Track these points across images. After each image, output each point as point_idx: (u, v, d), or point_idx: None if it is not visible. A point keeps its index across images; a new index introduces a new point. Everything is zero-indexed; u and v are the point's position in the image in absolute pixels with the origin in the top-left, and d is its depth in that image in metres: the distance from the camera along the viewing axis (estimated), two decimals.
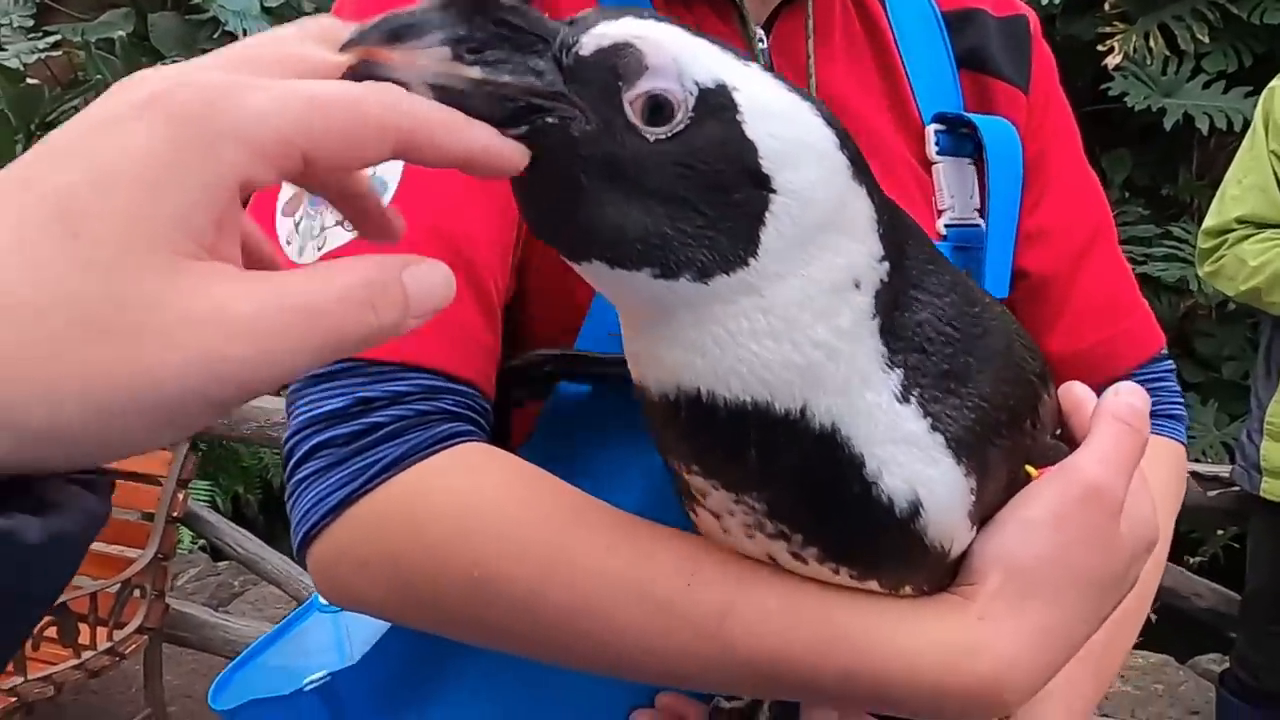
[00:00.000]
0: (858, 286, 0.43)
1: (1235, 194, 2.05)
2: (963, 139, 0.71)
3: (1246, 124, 2.08)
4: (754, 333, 0.41)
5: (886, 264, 0.44)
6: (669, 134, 0.39)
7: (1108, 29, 4.32)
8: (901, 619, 0.48)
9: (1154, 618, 3.14)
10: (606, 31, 0.38)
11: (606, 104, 0.38)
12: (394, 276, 0.29)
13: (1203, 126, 4.04)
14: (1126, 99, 4.14)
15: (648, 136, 0.39)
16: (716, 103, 0.40)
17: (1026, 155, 0.74)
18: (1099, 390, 0.70)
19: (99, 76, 4.80)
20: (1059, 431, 0.56)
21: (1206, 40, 4.16)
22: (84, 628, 2.31)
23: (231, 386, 0.26)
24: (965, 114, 0.72)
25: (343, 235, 0.56)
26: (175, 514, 2.54)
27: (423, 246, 0.54)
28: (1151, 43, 4.20)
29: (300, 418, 0.56)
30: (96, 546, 2.73)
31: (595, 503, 0.52)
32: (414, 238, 0.55)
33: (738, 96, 0.40)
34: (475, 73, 0.34)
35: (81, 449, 0.26)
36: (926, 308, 0.46)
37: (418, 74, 0.33)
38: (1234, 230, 2.03)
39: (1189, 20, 4.18)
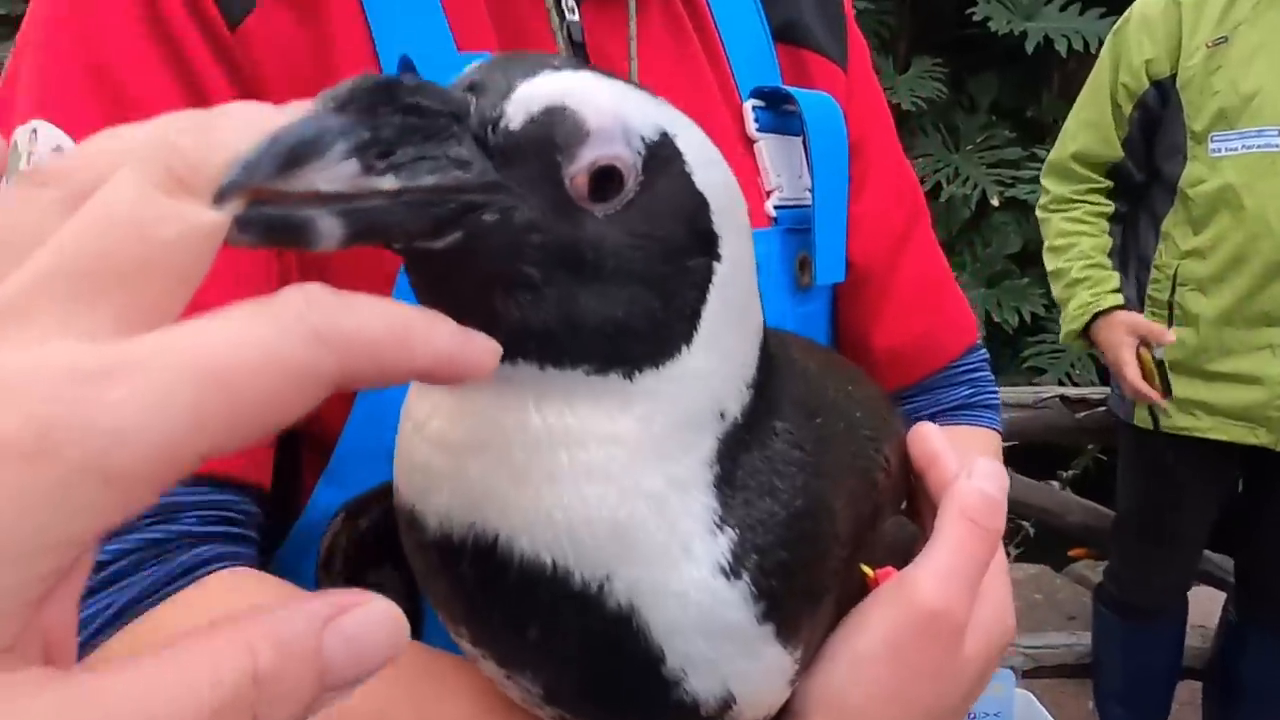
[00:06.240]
0: (722, 418, 0.36)
1: (1072, 129, 2.08)
2: (787, 117, 0.65)
3: (1102, 45, 2.11)
4: (593, 468, 0.33)
5: (752, 391, 0.37)
6: (620, 206, 0.33)
7: None
8: None
9: (1031, 532, 3.33)
10: (531, 94, 0.31)
11: (547, 182, 0.32)
12: (300, 653, 0.19)
13: (1061, 49, 4.13)
14: (990, 23, 4.20)
15: (597, 214, 0.33)
16: (664, 155, 0.34)
17: (849, 137, 0.69)
18: (928, 387, 0.70)
19: None
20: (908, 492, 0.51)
21: None
22: None
23: None
24: (784, 87, 0.66)
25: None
26: None
27: None
28: None
29: None
30: None
31: None
32: None
33: (680, 143, 0.34)
34: (390, 183, 0.26)
35: None
36: (781, 437, 0.38)
37: (327, 206, 0.24)
38: (1067, 178, 2.07)
39: None
